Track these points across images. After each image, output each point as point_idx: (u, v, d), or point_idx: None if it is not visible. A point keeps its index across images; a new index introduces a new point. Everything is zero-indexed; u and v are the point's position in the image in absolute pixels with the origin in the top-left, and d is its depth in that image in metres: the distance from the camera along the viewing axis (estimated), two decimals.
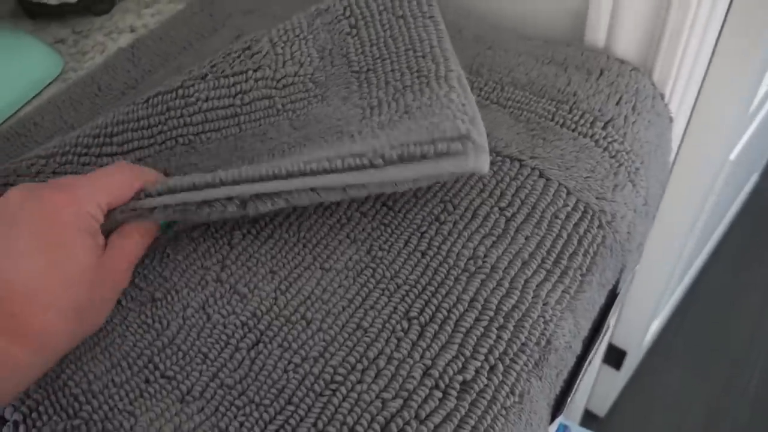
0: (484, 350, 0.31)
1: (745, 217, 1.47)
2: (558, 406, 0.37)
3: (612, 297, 0.41)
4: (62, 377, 0.31)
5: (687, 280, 1.29)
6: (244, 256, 0.35)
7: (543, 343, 0.33)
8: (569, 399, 0.39)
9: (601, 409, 1.16)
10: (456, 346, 0.31)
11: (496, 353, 0.31)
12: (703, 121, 0.63)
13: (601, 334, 0.40)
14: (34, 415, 0.30)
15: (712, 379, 1.25)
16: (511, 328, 0.32)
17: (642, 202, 0.42)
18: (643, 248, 0.49)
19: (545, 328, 0.33)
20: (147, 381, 0.31)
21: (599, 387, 1.11)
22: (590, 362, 0.41)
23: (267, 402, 0.29)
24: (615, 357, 1.01)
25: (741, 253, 1.44)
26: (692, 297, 1.35)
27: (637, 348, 1.07)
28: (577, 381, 0.38)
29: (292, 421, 0.29)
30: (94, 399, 0.30)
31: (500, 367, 0.31)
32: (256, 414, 0.29)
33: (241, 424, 0.29)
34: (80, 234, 0.29)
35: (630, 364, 1.10)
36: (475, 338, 0.31)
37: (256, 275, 0.34)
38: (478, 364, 0.30)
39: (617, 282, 0.41)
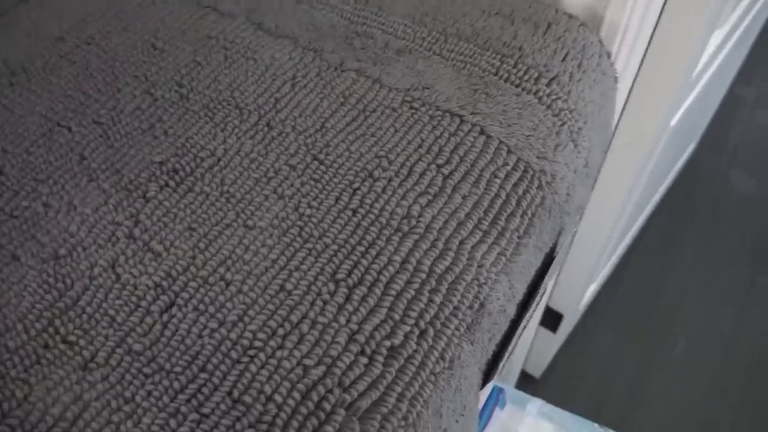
0: (414, 314, 0.29)
1: (680, 187, 1.51)
2: (490, 371, 0.36)
3: (549, 260, 0.40)
4: None
5: (623, 246, 1.32)
6: (160, 210, 0.32)
7: (476, 306, 0.31)
8: (502, 364, 0.39)
9: (537, 370, 1.19)
10: (384, 310, 0.29)
11: (427, 317, 0.29)
12: (647, 84, 0.63)
13: (536, 298, 0.39)
14: None
15: (640, 344, 1.30)
16: (444, 291, 0.30)
17: (583, 164, 0.40)
18: (582, 212, 0.48)
19: (479, 292, 0.32)
20: (46, 346, 0.28)
21: (536, 349, 1.13)
22: (525, 327, 0.40)
23: (178, 369, 0.27)
24: (552, 320, 1.03)
25: (675, 222, 1.48)
26: (626, 264, 1.38)
27: (573, 311, 1.09)
28: (510, 345, 0.38)
29: (205, 390, 0.26)
30: None
31: (430, 331, 0.29)
32: (165, 382, 0.27)
33: (149, 393, 0.26)
34: None
35: (566, 326, 1.12)
36: (405, 302, 0.29)
37: (172, 232, 0.31)
38: (408, 328, 0.29)
39: (555, 245, 0.40)
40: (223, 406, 0.26)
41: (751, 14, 0.93)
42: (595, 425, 0.61)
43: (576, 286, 0.97)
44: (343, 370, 0.27)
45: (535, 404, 0.56)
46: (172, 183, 0.33)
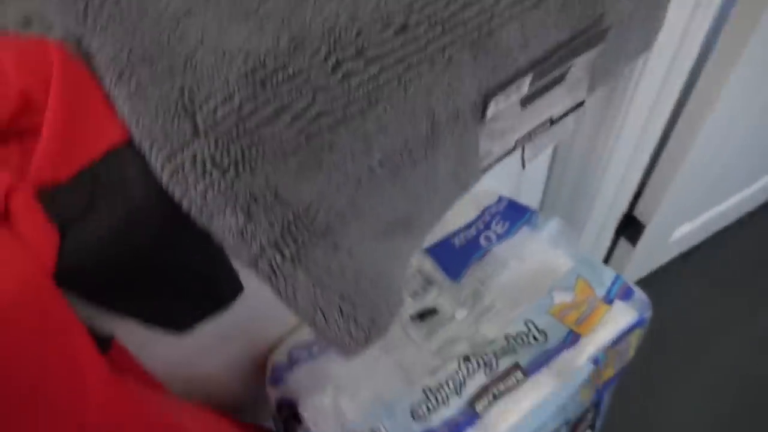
0: None
1: None
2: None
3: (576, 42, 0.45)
4: None
5: (744, 205, 1.27)
6: None
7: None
8: None
9: None
10: None
11: None
12: None
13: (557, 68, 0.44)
14: None
15: (734, 300, 1.26)
16: None
17: None
18: (648, 40, 0.52)
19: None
20: None
21: (614, 259, 1.13)
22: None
23: None
24: (633, 229, 1.02)
25: None
26: (744, 225, 1.33)
27: (658, 233, 1.07)
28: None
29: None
30: None
31: None
32: None
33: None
34: None
35: (650, 245, 1.09)
36: None
37: None
38: None
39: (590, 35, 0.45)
40: None
41: None
42: (607, 268, 0.63)
43: (660, 201, 0.96)
44: None
45: (554, 224, 0.62)
46: None
